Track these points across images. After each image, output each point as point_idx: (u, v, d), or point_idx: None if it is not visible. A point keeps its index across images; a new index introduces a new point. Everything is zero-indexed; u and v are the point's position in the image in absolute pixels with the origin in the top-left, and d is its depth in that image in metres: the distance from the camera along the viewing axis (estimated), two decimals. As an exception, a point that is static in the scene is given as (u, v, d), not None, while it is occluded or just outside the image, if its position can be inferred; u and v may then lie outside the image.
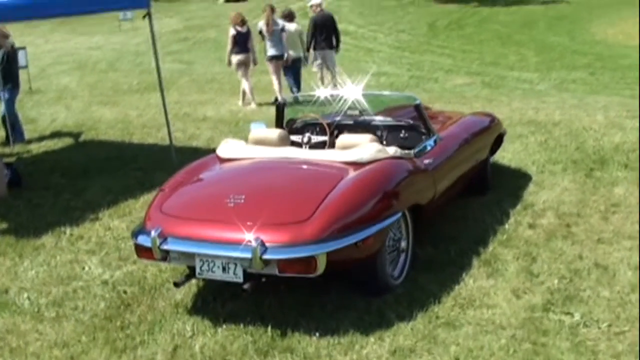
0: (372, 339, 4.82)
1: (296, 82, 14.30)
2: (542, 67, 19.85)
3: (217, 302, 5.43)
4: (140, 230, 5.26)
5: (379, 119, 6.95)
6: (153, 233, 4.94)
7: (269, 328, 4.98)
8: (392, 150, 5.75)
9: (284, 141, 6.20)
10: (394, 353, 4.65)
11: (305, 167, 5.63)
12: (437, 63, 21.09)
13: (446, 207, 6.71)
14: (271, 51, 13.86)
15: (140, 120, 12.55)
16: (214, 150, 6.34)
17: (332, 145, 6.68)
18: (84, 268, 6.26)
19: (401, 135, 6.76)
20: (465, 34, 27.66)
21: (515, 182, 8.17)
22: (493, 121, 7.92)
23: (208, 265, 4.92)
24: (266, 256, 4.67)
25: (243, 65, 13.83)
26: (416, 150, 6.06)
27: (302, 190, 5.28)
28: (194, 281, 5.77)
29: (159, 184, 8.36)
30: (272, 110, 13.37)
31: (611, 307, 5.14)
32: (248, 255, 4.68)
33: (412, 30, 28.62)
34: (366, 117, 6.98)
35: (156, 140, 10.98)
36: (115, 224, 7.32)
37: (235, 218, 4.90)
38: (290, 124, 7.08)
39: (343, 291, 5.44)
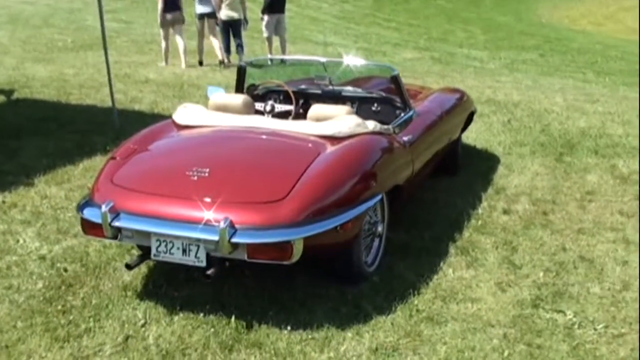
0: (349, 334, 4.31)
1: (239, 45, 13.76)
2: (490, 45, 19.64)
3: (171, 286, 4.85)
4: (88, 203, 4.59)
5: (350, 90, 6.39)
6: (104, 207, 4.29)
7: (232, 318, 4.42)
8: (372, 124, 5.21)
9: (248, 108, 5.59)
10: (375, 351, 4.15)
11: (276, 139, 5.01)
12: (384, 36, 20.68)
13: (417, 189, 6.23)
14: (200, 9, 13.53)
15: (77, 79, 11.69)
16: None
17: (297, 116, 6.12)
18: (18, 241, 5.56)
19: (373, 108, 6.23)
20: (411, 8, 27.31)
21: (483, 163, 7.76)
22: (464, 98, 7.45)
23: (166, 246, 4.30)
24: (235, 239, 4.08)
25: (173, 23, 13.28)
26: (394, 125, 5.53)
27: (275, 166, 4.68)
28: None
29: (100, 149, 7.74)
30: (217, 74, 12.90)
31: (604, 306, 4.75)
32: (214, 237, 4.08)
33: (356, 2, 28.10)
34: (336, 87, 6.41)
35: (95, 102, 10.18)
36: (52, 191, 6.60)
37: (198, 194, 4.29)
38: (250, 90, 6.47)
39: (313, 278, 4.91)
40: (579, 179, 7.32)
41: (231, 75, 12.76)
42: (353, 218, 4.45)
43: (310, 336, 4.27)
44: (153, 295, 4.72)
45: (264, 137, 5.02)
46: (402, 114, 5.93)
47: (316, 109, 5.39)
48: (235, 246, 4.12)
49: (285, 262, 4.20)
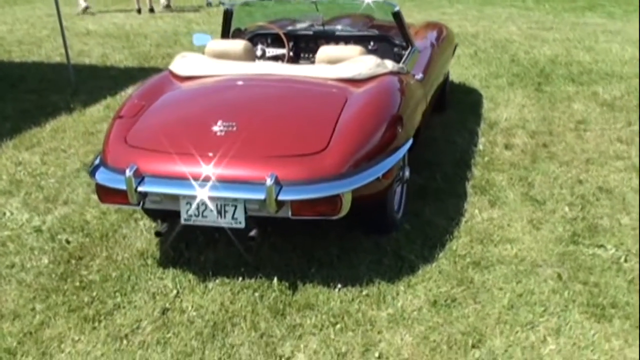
0: (401, 287, 4.06)
1: None
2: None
3: (192, 250, 4.50)
4: (101, 167, 4.14)
5: (343, 29, 6.05)
6: (128, 172, 3.84)
7: (274, 280, 4.12)
8: (390, 64, 4.89)
9: (250, 54, 5.20)
10: (434, 304, 3.92)
11: (296, 85, 4.64)
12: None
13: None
14: None
15: (13, 36, 10.91)
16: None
17: (291, 60, 5.77)
18: (4, 213, 5.09)
19: (370, 47, 5.92)
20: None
21: (466, 97, 7.58)
22: (448, 31, 7.20)
23: (197, 208, 3.94)
24: (282, 196, 3.75)
25: None
26: (405, 63, 5.24)
27: (306, 115, 4.31)
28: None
29: (62, 108, 7.24)
30: (159, 21, 12.30)
31: (640, 237, 4.65)
32: (260, 195, 3.74)
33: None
34: (327, 27, 6.06)
35: (41, 58, 9.52)
36: (25, 157, 6.09)
37: (231, 150, 3.93)
38: (236, 34, 6.04)
39: (343, 231, 4.64)
40: (566, 108, 7.22)
41: (173, 22, 12.25)
42: (393, 165, 4.17)
43: (362, 292, 4.01)
44: (177, 262, 4.37)
45: (281, 84, 4.65)
46: (405, 52, 5.64)
47: (326, 51, 5.03)
48: (281, 204, 3.79)
49: (332, 217, 3.90)
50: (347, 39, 5.94)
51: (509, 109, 7.15)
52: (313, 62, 5.77)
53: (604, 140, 6.31)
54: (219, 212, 3.91)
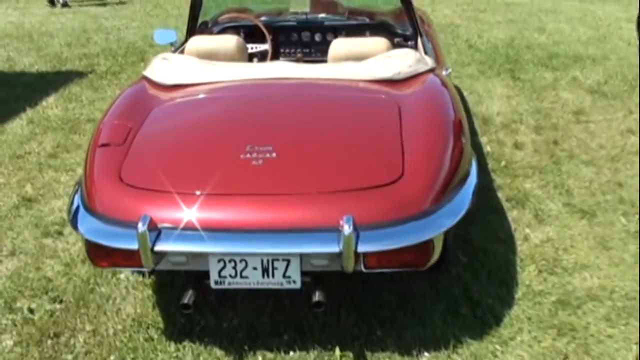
0: (496, 346, 3.20)
1: None
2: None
3: (204, 314, 3.48)
4: (90, 215, 2.99)
5: (333, 18, 5.10)
6: (141, 226, 2.76)
7: (336, 351, 3.16)
8: (430, 60, 4.00)
9: (243, 53, 4.18)
10: (546, 366, 3.08)
11: (328, 92, 3.65)
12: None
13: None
14: None
15: None
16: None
17: (275, 56, 4.80)
18: None
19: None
20: None
21: (443, 91, 6.76)
22: (426, 15, 6.37)
23: (234, 267, 2.91)
24: (362, 247, 2.78)
25: None
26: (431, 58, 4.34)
27: (360, 131, 3.32)
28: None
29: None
30: (61, 17, 10.88)
31: None
32: (333, 248, 2.75)
33: None
34: (309, 16, 5.09)
35: None
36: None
37: (281, 186, 2.93)
38: (202, 29, 4.98)
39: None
40: (555, 97, 6.55)
41: (77, 18, 10.87)
42: (475, 187, 3.28)
43: (451, 358, 3.12)
44: (191, 331, 3.34)
45: (308, 91, 3.65)
46: (409, 43, 4.76)
47: (343, 45, 4.06)
48: (357, 257, 2.82)
49: (420, 269, 2.97)
50: (337, 30, 4.99)
51: (495, 102, 6.41)
52: (299, 60, 4.82)
53: (613, 132, 5.67)
54: (265, 271, 2.91)
